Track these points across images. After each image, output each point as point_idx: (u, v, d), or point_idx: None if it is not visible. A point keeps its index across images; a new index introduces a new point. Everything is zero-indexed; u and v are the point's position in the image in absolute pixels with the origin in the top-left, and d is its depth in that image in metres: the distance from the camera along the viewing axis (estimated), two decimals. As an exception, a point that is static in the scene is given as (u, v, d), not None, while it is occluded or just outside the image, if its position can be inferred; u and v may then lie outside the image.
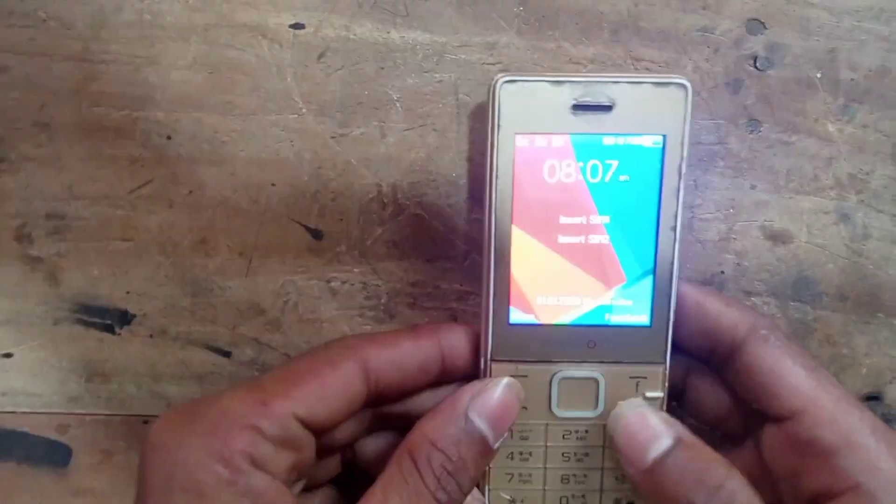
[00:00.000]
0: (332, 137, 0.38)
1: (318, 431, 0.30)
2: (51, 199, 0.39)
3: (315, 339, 0.40)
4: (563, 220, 0.32)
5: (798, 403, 0.31)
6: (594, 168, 0.32)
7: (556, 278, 0.33)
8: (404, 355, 0.32)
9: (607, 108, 0.31)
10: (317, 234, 0.39)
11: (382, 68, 0.37)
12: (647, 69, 0.37)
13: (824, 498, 0.30)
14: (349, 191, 0.38)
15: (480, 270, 0.33)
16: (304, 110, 0.38)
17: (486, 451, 0.31)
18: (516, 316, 0.33)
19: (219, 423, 0.28)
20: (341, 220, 0.39)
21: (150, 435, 0.28)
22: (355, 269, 0.39)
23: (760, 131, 0.38)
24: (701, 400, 0.35)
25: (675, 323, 0.33)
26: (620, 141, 0.32)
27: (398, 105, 0.38)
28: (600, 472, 0.34)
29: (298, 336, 0.40)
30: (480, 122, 0.37)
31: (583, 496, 0.34)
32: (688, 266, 0.39)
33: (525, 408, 0.33)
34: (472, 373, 0.33)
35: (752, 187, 0.38)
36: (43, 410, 0.41)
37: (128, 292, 0.40)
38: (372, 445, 0.35)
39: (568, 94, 0.31)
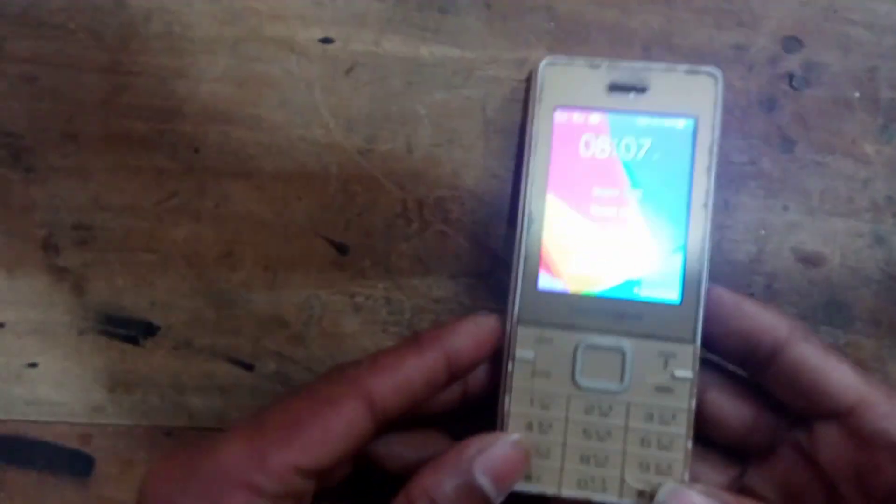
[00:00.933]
0: (359, 152, 0.37)
1: (322, 475, 0.29)
2: (77, 210, 0.39)
3: (338, 354, 0.39)
4: (597, 191, 0.33)
5: (852, 398, 0.30)
6: (628, 145, 0.33)
7: (587, 248, 0.33)
8: (410, 377, 0.30)
9: (641, 91, 0.33)
10: (342, 249, 0.38)
11: (410, 83, 0.37)
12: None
13: None
14: (375, 206, 0.38)
15: (512, 246, 0.33)
16: (331, 125, 0.37)
17: None
18: (545, 282, 0.33)
19: (214, 480, 0.27)
20: (366, 235, 0.38)
21: (144, 487, 0.27)
22: (379, 284, 0.39)
23: (794, 151, 0.37)
24: (722, 416, 0.34)
25: (711, 324, 0.32)
26: (654, 121, 0.33)
27: (426, 120, 0.37)
28: (622, 457, 0.32)
29: (321, 350, 0.40)
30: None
31: (602, 480, 0.32)
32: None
33: (548, 375, 0.32)
34: (481, 364, 0.33)
35: (785, 208, 0.37)
36: (66, 420, 0.41)
37: (152, 304, 0.39)
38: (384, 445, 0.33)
39: (605, 76, 0.33)
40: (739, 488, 0.34)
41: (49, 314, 0.40)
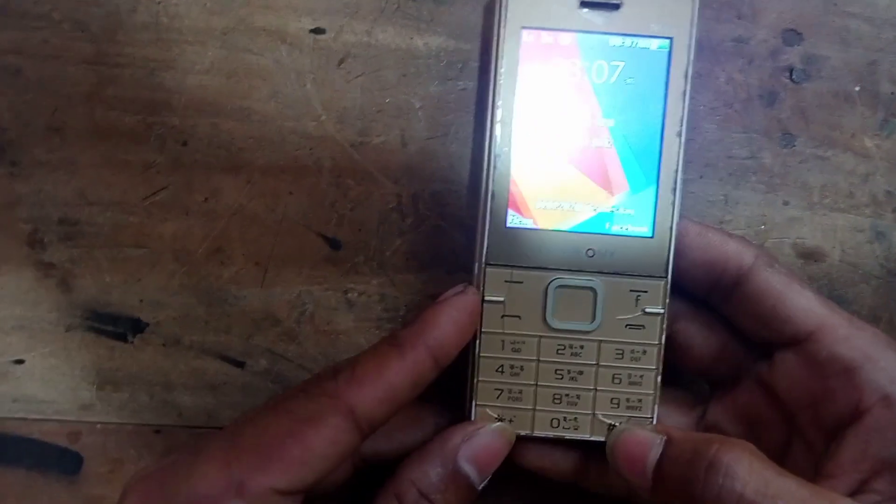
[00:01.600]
0: (352, 145, 0.37)
1: (305, 492, 0.28)
2: (63, 205, 0.38)
3: (331, 351, 0.39)
4: (567, 120, 0.32)
5: (812, 323, 0.30)
6: (600, 69, 0.31)
7: (557, 182, 0.32)
8: (394, 384, 0.28)
9: (615, 7, 0.31)
10: (335, 244, 0.38)
11: (405, 75, 0.36)
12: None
13: (851, 417, 0.29)
14: (368, 200, 0.37)
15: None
16: (323, 117, 0.36)
17: (471, 494, 0.30)
18: (514, 220, 0.32)
19: None
20: (360, 230, 0.37)
21: None
22: (373, 281, 0.38)
23: (795, 146, 0.36)
24: (691, 345, 0.34)
25: (677, 256, 0.32)
26: (627, 42, 0.31)
27: (420, 113, 0.36)
28: (593, 394, 0.32)
29: (314, 347, 0.39)
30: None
31: (575, 419, 0.32)
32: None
33: (518, 317, 0.32)
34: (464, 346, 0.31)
35: (785, 203, 0.37)
36: (54, 418, 0.40)
37: (141, 300, 0.38)
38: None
39: None
40: (704, 427, 0.34)
41: (35, 310, 0.39)
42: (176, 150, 0.37)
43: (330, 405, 0.28)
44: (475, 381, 0.32)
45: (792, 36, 0.35)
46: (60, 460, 0.40)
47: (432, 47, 0.36)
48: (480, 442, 0.30)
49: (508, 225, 0.32)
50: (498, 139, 0.31)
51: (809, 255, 0.37)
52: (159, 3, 0.35)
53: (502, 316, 0.32)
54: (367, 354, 0.29)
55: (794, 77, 0.36)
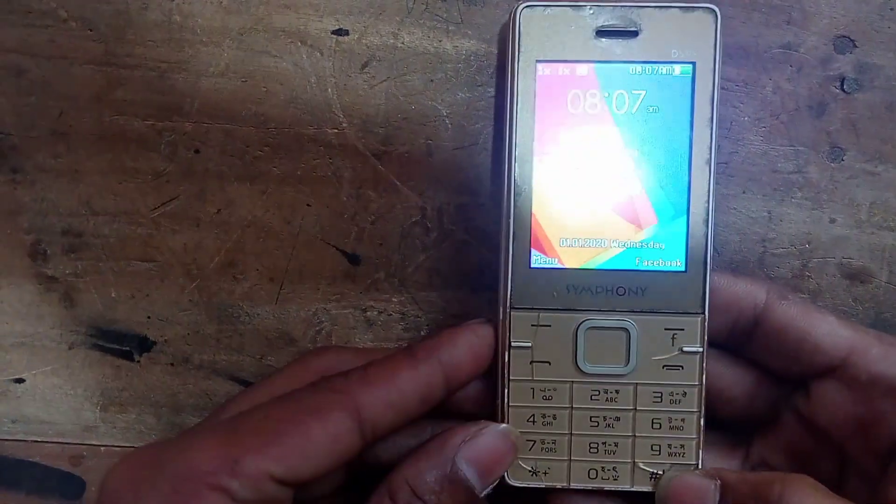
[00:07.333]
0: (375, 155, 0.33)
1: (299, 486, 0.26)
2: (67, 215, 0.34)
3: (348, 372, 0.34)
4: (589, 154, 0.29)
5: (842, 348, 0.28)
6: (620, 98, 0.29)
7: (582, 219, 0.29)
8: (403, 392, 0.27)
9: (633, 34, 0.28)
10: (354, 259, 0.34)
11: (432, 80, 0.32)
12: (723, 88, 0.32)
13: None
14: (391, 213, 0.33)
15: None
16: (344, 124, 0.33)
17: (470, 500, 0.27)
18: (538, 260, 0.29)
19: (184, 480, 0.24)
20: (381, 244, 0.34)
21: (108, 483, 0.25)
22: (394, 298, 0.34)
23: (843, 160, 0.32)
24: (721, 388, 0.31)
25: None
26: (647, 69, 0.29)
27: (447, 121, 0.33)
28: (632, 441, 0.29)
29: (331, 368, 0.34)
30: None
31: (614, 468, 0.29)
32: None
33: (548, 363, 0.29)
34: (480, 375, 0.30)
35: (832, 221, 0.33)
36: (55, 440, 0.37)
37: (148, 317, 0.35)
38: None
39: (592, 20, 0.29)
40: (751, 468, 0.31)
41: (37, 327, 0.36)
42: (187, 157, 0.33)
43: (337, 400, 0.26)
44: None
45: (844, 43, 0.31)
46: (62, 485, 0.37)
47: (462, 51, 0.32)
48: (483, 443, 0.28)
49: (533, 265, 0.29)
50: (517, 177, 0.29)
51: (855, 276, 0.33)
52: (172, 0, 0.31)
53: (531, 362, 0.29)
54: (379, 360, 0.28)
55: (845, 87, 0.32)
